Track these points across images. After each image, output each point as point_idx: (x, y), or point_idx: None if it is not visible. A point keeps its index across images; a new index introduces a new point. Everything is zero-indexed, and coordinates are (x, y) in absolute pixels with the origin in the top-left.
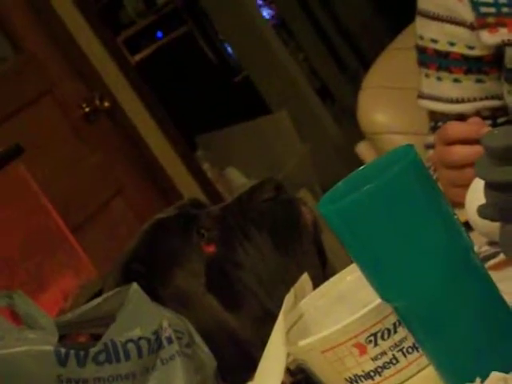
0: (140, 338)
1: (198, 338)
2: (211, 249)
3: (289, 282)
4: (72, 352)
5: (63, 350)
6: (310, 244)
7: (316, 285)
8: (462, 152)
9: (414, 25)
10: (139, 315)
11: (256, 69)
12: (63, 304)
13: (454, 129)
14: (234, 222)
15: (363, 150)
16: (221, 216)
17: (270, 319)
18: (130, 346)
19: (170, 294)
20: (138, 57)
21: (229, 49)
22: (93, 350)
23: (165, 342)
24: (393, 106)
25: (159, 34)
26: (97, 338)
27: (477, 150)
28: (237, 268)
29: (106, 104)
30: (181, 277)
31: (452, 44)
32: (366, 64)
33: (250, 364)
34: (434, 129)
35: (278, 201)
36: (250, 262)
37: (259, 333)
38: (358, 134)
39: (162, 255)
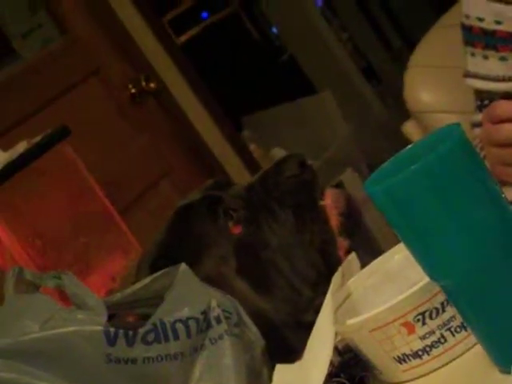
0: (189, 318)
1: (246, 318)
2: (238, 230)
3: (307, 258)
4: (121, 332)
5: (112, 330)
6: (324, 223)
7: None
8: (510, 130)
9: (459, 3)
10: (188, 295)
11: (301, 48)
12: (111, 285)
13: (503, 107)
14: (259, 201)
15: (410, 129)
16: (246, 196)
17: (298, 298)
18: (179, 325)
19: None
20: (183, 37)
21: (274, 29)
22: (142, 330)
23: (213, 322)
24: (439, 85)
25: (204, 14)
26: (145, 318)
27: None
28: (265, 248)
29: (152, 85)
30: (210, 263)
31: (498, 22)
32: (410, 43)
33: (287, 347)
34: (479, 107)
35: (301, 180)
36: (276, 241)
37: (292, 314)
38: (404, 114)
39: (189, 244)
